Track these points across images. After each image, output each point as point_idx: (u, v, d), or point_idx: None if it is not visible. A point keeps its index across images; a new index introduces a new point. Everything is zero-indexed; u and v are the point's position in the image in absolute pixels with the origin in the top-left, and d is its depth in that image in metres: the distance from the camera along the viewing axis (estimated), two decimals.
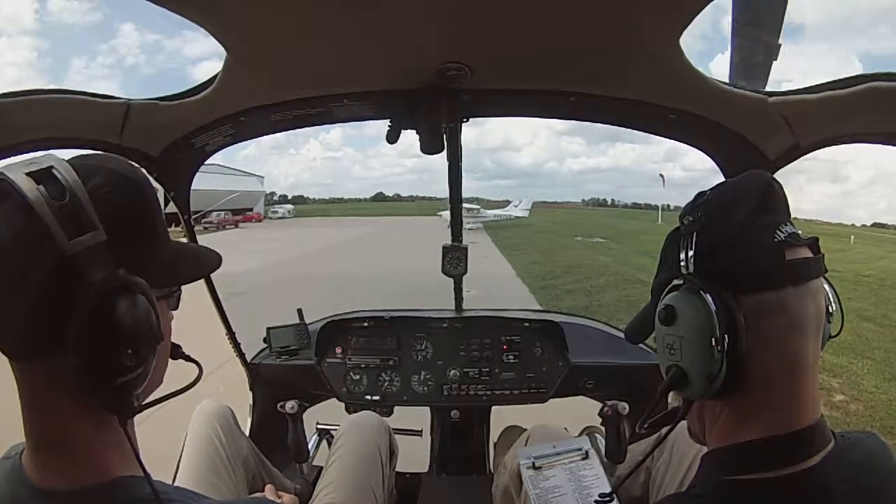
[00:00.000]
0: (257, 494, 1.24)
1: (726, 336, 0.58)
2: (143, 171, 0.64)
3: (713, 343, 0.58)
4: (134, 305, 0.53)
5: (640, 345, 1.89)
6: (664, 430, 0.72)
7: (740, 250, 0.60)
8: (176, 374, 0.69)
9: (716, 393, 0.60)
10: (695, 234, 0.62)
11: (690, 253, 0.62)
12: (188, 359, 0.70)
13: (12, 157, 0.98)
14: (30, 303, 0.51)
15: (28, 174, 0.51)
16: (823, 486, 0.57)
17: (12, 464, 0.59)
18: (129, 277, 0.53)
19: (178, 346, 0.70)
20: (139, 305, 0.53)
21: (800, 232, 0.61)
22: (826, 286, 0.64)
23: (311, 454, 1.67)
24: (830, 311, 0.65)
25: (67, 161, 0.56)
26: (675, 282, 0.64)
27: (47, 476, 0.56)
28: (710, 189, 0.66)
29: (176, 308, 0.68)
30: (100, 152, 0.66)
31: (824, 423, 0.61)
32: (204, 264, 0.72)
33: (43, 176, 0.52)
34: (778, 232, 0.59)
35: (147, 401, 0.61)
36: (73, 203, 0.51)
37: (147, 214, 0.59)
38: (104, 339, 0.51)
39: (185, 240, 1.42)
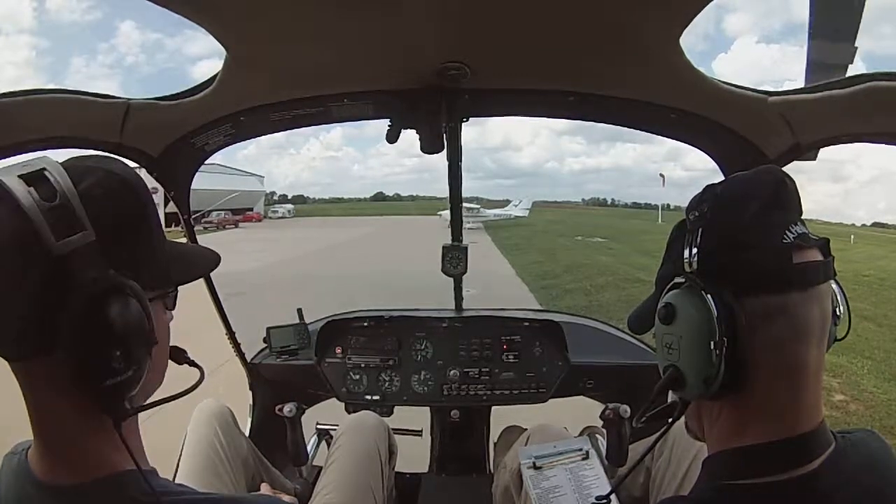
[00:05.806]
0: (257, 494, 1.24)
1: (725, 340, 0.57)
2: (138, 171, 0.65)
3: (711, 346, 0.57)
4: (124, 307, 0.53)
5: (640, 345, 1.89)
6: (663, 427, 0.71)
7: (746, 250, 0.58)
8: (176, 374, 0.69)
9: (714, 395, 0.59)
10: (700, 230, 0.60)
11: (694, 250, 0.60)
12: (192, 363, 0.70)
13: (12, 157, 0.98)
14: (24, 303, 0.52)
15: (20, 176, 0.52)
16: (825, 489, 0.57)
17: (18, 459, 0.60)
18: (119, 279, 0.53)
19: (184, 351, 0.70)
20: (130, 307, 0.53)
21: (810, 233, 0.59)
22: (835, 286, 0.62)
23: (310, 455, 1.67)
24: (838, 313, 0.62)
25: (62, 163, 0.56)
26: (678, 279, 0.62)
27: (51, 471, 0.57)
28: (720, 182, 0.64)
29: (173, 308, 0.67)
30: (97, 153, 0.67)
31: (825, 426, 0.60)
32: (201, 264, 0.72)
33: (34, 178, 0.52)
34: (787, 233, 0.58)
35: (146, 402, 0.61)
36: (63, 204, 0.51)
37: (141, 215, 0.59)
38: (94, 340, 0.51)
39: (184, 240, 1.43)
